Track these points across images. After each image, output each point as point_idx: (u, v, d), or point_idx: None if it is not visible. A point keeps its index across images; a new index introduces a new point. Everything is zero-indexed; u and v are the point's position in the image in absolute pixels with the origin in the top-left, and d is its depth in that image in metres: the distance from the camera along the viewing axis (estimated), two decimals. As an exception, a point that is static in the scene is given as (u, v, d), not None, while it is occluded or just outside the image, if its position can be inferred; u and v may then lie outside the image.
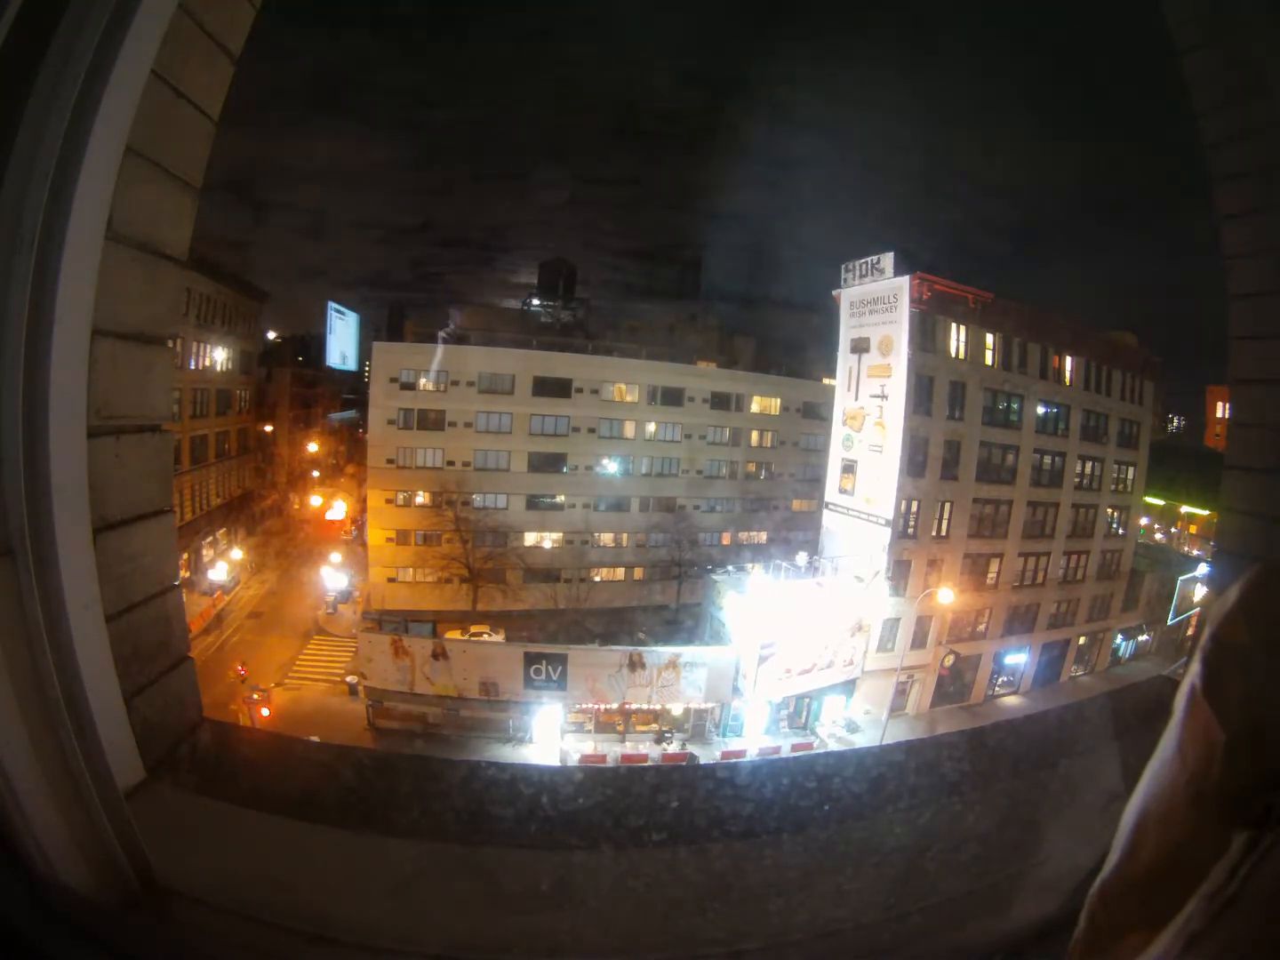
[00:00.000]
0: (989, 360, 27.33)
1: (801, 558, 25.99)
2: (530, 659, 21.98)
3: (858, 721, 25.12)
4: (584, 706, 22.42)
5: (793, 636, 22.51)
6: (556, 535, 35.77)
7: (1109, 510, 31.21)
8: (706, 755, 22.32)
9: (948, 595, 25.32)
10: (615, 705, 22.36)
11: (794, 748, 22.83)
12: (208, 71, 2.09)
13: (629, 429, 36.74)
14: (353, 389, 60.11)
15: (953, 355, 26.56)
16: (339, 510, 44.95)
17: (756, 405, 39.55)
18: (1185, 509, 47.13)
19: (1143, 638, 34.28)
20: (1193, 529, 47.96)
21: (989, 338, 27.22)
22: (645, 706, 22.69)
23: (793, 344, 44.73)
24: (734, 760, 20.66)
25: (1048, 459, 28.89)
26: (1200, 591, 30.66)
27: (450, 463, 33.66)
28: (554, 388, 35.08)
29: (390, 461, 33.48)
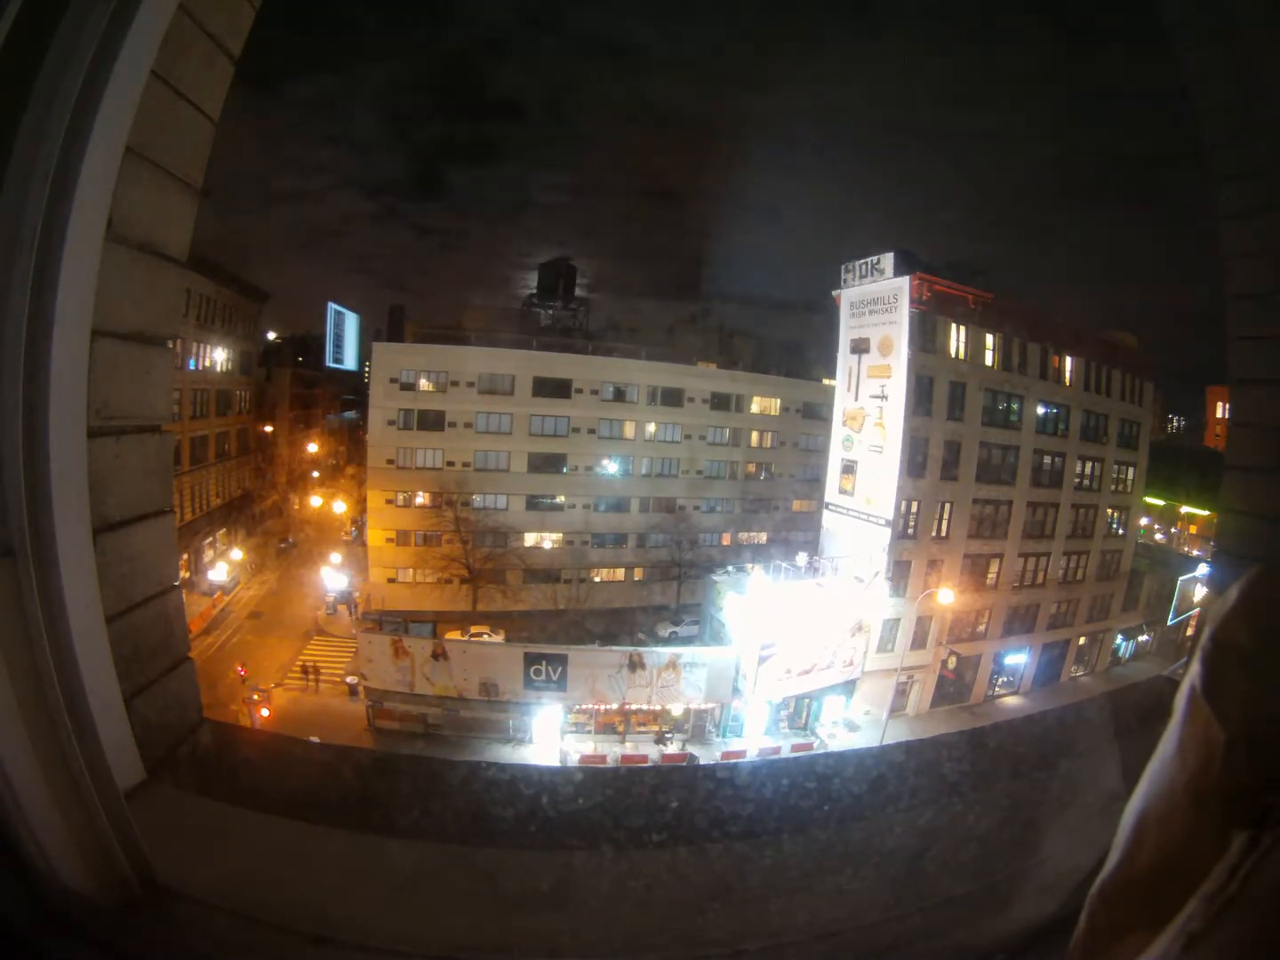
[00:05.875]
0: (989, 360, 27.33)
1: (801, 558, 25.99)
2: (530, 659, 21.98)
3: (857, 722, 25.12)
4: (584, 707, 22.41)
5: (793, 637, 22.51)
6: (556, 536, 35.78)
7: (1109, 510, 31.21)
8: (706, 756, 22.31)
9: (947, 596, 25.31)
10: (615, 706, 22.36)
11: (794, 748, 22.82)
12: (208, 72, 2.09)
13: (629, 429, 36.75)
14: (353, 389, 60.15)
15: (952, 355, 26.56)
16: (339, 510, 44.94)
17: (756, 406, 39.57)
18: (1185, 509, 47.14)
19: (1143, 638, 34.28)
20: (1193, 529, 47.95)
21: (989, 338, 27.23)
22: (645, 707, 22.69)
23: (793, 344, 44.74)
24: (734, 761, 20.65)
25: (1048, 459, 28.89)
26: (1200, 591, 30.64)
27: (450, 463, 33.67)
28: (554, 388, 35.09)
29: (390, 462, 33.49)
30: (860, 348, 27.49)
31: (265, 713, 22.16)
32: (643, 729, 23.51)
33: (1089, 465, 30.11)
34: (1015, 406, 28.05)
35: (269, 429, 46.74)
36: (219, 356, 37.27)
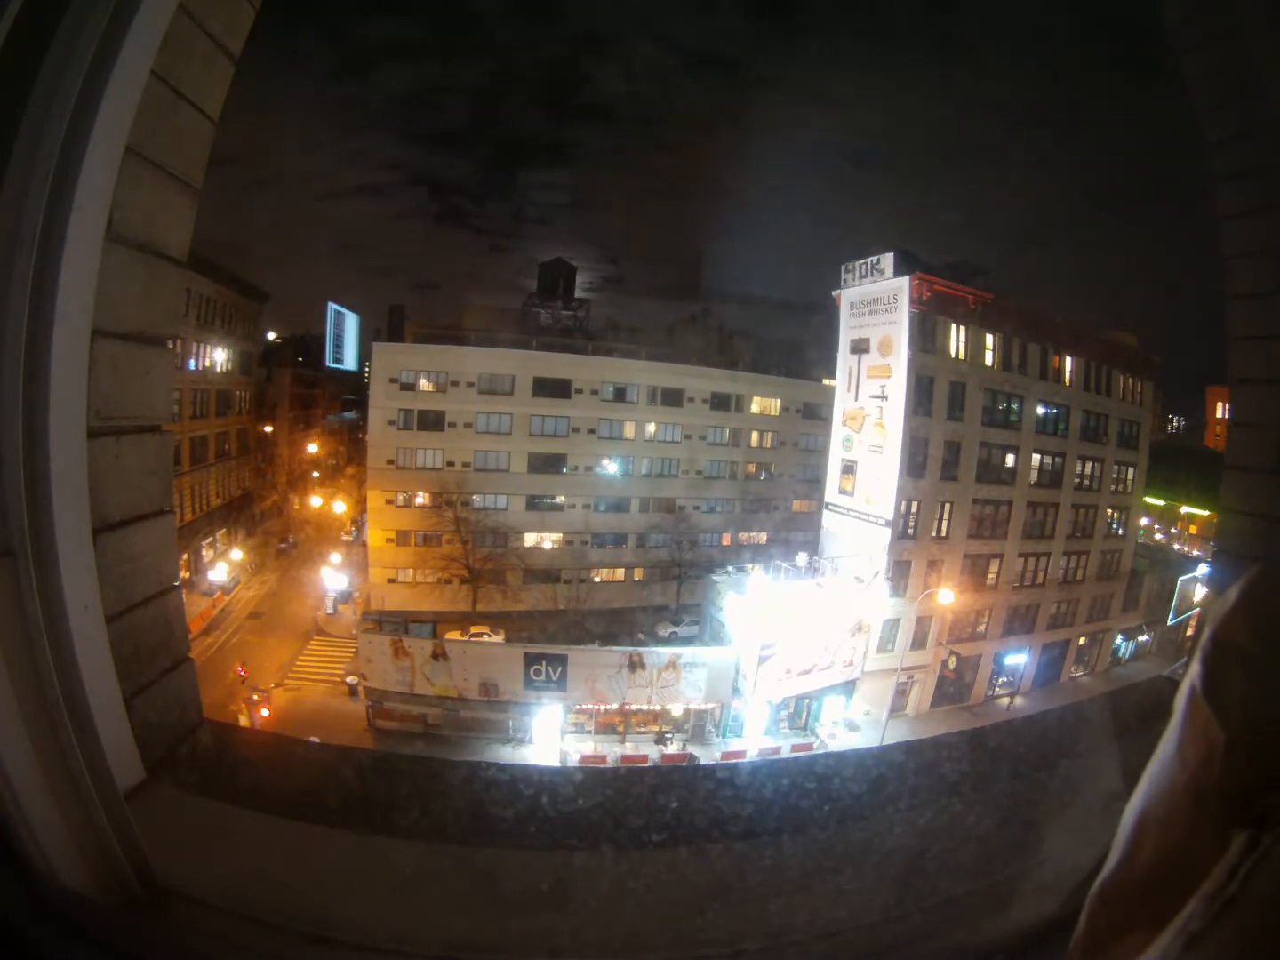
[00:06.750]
0: (989, 361, 27.34)
1: (801, 558, 26.00)
2: (530, 659, 21.98)
3: (857, 722, 25.12)
4: (584, 707, 22.42)
5: (793, 637, 22.51)
6: (556, 536, 35.78)
7: (1109, 510, 31.21)
8: (706, 756, 22.31)
9: (947, 596, 25.32)
10: (615, 706, 22.36)
11: (794, 748, 22.83)
12: (208, 72, 2.09)
13: (629, 429, 36.75)
14: (353, 389, 60.19)
15: (952, 356, 26.56)
16: (338, 511, 44.95)
17: (756, 406, 39.57)
18: (1185, 509, 47.15)
19: (1143, 638, 34.27)
20: (1193, 529, 47.97)
21: (989, 338, 27.24)
22: (645, 707, 22.69)
23: (793, 345, 44.75)
24: (734, 761, 20.66)
25: (1048, 459, 28.90)
26: (1200, 591, 30.64)
27: (450, 463, 33.67)
28: (554, 388, 35.09)
29: (390, 462, 33.49)
30: (860, 348, 27.50)
31: (265, 713, 22.17)
32: (643, 729, 23.51)
33: (1089, 465, 30.11)
34: (1015, 406, 28.06)
35: (269, 429, 46.75)
36: (219, 356, 37.27)
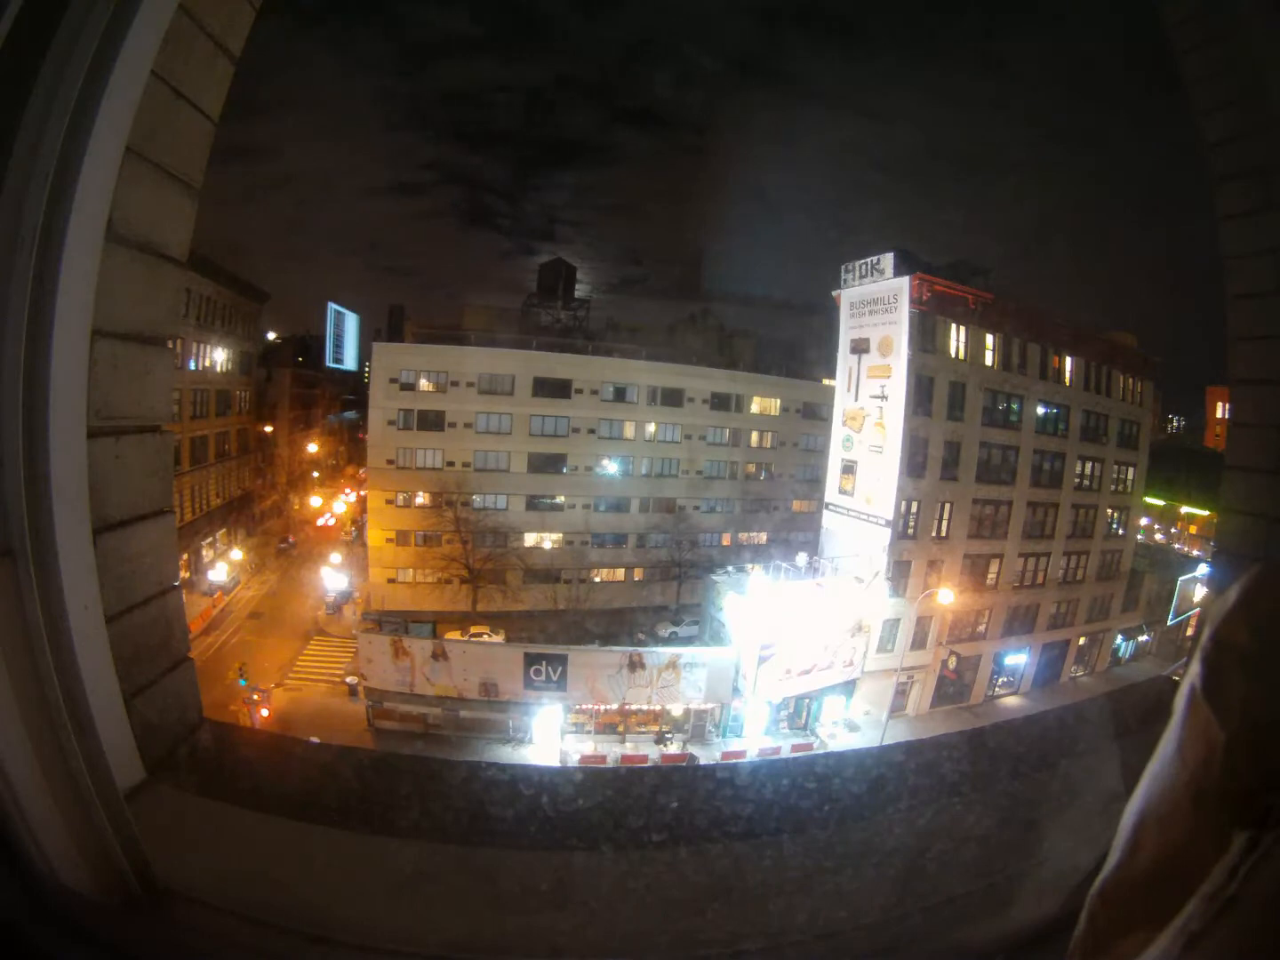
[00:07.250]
0: (989, 361, 27.33)
1: (801, 558, 26.00)
2: (530, 659, 21.98)
3: (857, 722, 25.12)
4: (584, 707, 22.42)
5: (792, 637, 22.51)
6: (556, 536, 35.78)
7: (1109, 511, 31.21)
8: (706, 756, 22.31)
9: (947, 596, 25.31)
10: (615, 706, 22.37)
11: (794, 748, 22.83)
12: (208, 71, 2.09)
13: (629, 430, 36.75)
14: (353, 389, 60.24)
15: (953, 356, 26.56)
16: (338, 512, 44.93)
17: (756, 406, 39.56)
18: (1185, 509, 47.18)
19: (1143, 638, 34.27)
20: (1193, 529, 47.99)
21: (989, 338, 27.23)
22: (645, 707, 22.69)
23: (793, 345, 44.77)
24: (734, 761, 20.65)
25: (1047, 459, 28.90)
26: (1200, 591, 30.63)
27: (450, 463, 33.67)
28: (554, 388, 35.09)
29: (390, 462, 33.49)
30: (860, 348, 27.49)
31: (265, 713, 22.17)
32: (643, 729, 23.51)
33: (1089, 465, 30.11)
34: (1015, 406, 28.06)
35: (269, 429, 46.77)
36: (219, 356, 37.28)
